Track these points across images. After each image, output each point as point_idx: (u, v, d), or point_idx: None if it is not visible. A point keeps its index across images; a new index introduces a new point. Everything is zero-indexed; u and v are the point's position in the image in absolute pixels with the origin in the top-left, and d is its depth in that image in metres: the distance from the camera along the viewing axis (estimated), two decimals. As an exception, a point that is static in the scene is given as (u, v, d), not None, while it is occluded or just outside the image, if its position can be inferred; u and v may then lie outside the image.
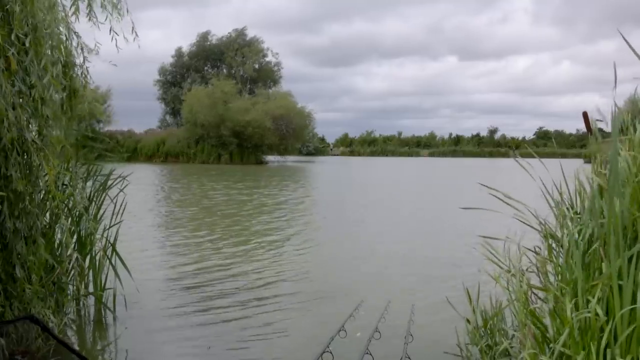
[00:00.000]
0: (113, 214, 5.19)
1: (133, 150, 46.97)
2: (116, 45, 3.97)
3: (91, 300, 5.09)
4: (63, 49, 3.79)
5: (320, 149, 79.36)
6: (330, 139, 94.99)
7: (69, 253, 4.35)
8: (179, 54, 60.65)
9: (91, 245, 4.89)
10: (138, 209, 12.71)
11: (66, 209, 4.39)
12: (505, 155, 70.61)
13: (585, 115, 3.03)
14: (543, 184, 3.09)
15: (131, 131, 51.13)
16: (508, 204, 3.10)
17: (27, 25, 3.20)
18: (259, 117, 45.74)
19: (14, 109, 3.05)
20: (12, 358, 3.32)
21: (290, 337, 4.56)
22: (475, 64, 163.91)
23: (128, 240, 8.02)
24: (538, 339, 2.61)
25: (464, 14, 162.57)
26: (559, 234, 2.90)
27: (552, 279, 2.86)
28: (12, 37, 3.07)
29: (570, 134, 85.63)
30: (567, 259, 2.60)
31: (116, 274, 4.93)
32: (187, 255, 7.94)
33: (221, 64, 60.18)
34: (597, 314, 2.25)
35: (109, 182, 5.22)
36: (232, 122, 45.63)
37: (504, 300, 3.25)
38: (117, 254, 5.04)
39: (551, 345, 2.49)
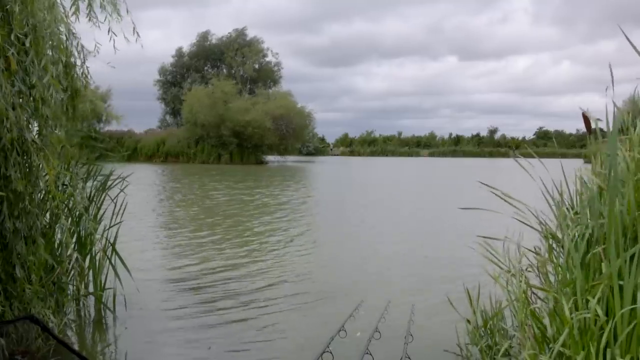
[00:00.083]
0: (113, 214, 5.19)
1: (133, 150, 46.98)
2: (114, 46, 3.97)
3: (91, 300, 5.09)
4: (63, 49, 3.79)
5: (320, 149, 79.36)
6: (330, 139, 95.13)
7: (69, 253, 4.35)
8: (179, 54, 60.69)
9: (91, 245, 4.89)
10: (139, 209, 12.72)
11: (66, 209, 4.39)
12: (505, 155, 70.62)
13: (584, 115, 3.03)
14: (543, 184, 3.09)
15: (131, 131, 51.18)
16: (508, 202, 3.10)
17: (27, 25, 3.20)
18: (259, 117, 45.74)
19: (13, 109, 3.05)
20: (12, 358, 3.32)
21: (290, 337, 4.56)
22: (475, 64, 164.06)
23: (129, 240, 8.03)
24: (538, 339, 2.61)
25: (464, 14, 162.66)
26: (559, 234, 2.90)
27: (552, 279, 2.86)
28: (12, 37, 3.07)
29: (570, 134, 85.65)
30: (568, 259, 2.60)
31: (116, 274, 4.93)
32: (188, 256, 7.94)
33: (221, 64, 60.19)
34: (597, 314, 2.25)
35: (109, 182, 5.22)
36: (232, 122, 45.63)
37: (504, 300, 3.25)
38: (117, 254, 5.04)
39: (551, 345, 2.49)
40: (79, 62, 4.05)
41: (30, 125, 3.38)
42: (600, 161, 2.84)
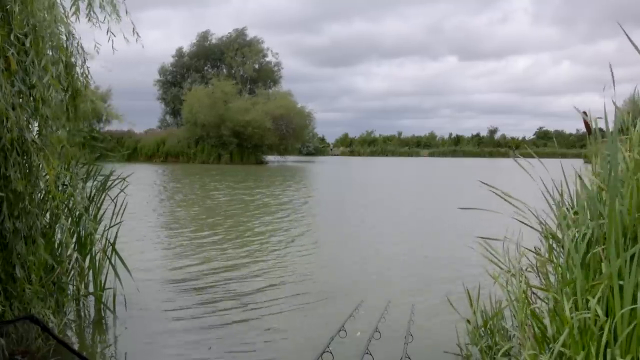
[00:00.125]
0: (113, 214, 5.20)
1: (133, 150, 46.98)
2: (112, 46, 3.97)
3: (91, 300, 5.10)
4: (64, 49, 3.79)
5: (320, 149, 79.36)
6: (330, 139, 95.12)
7: (68, 253, 4.35)
8: (179, 54, 60.71)
9: (91, 245, 4.89)
10: (140, 209, 12.73)
11: (66, 209, 4.39)
12: (505, 155, 70.62)
13: (584, 115, 3.03)
14: (544, 184, 3.09)
15: (131, 131, 51.17)
16: (508, 202, 3.11)
17: (27, 26, 3.20)
18: (259, 117, 45.75)
19: (13, 109, 3.05)
20: (12, 358, 3.32)
21: (290, 337, 4.56)
22: (475, 64, 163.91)
23: (130, 240, 8.04)
24: (538, 339, 2.61)
25: (464, 14, 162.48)
26: (559, 234, 2.90)
27: (552, 279, 2.86)
28: (12, 37, 3.07)
29: (570, 134, 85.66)
30: (568, 259, 2.60)
31: (116, 274, 4.93)
32: (189, 256, 7.94)
33: (221, 64, 60.21)
34: (597, 314, 2.25)
35: (109, 182, 5.22)
36: (232, 122, 45.64)
37: (504, 301, 3.26)
38: (117, 254, 5.04)
39: (551, 345, 2.49)
40: (79, 62, 4.06)
41: (30, 125, 3.38)
42: (600, 161, 2.84)
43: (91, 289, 4.96)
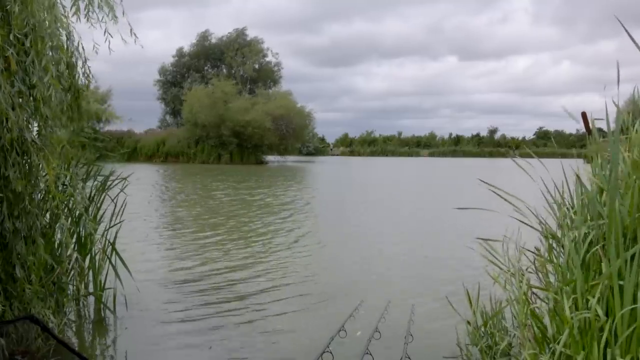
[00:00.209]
0: (113, 214, 5.20)
1: (133, 150, 46.99)
2: (109, 47, 3.97)
3: (91, 300, 5.10)
4: (64, 50, 3.80)
5: (320, 149, 79.37)
6: (330, 139, 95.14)
7: (68, 253, 4.35)
8: (179, 54, 60.72)
9: (91, 245, 4.89)
10: (141, 209, 12.73)
11: (66, 209, 4.39)
12: (505, 155, 70.61)
13: (584, 115, 3.04)
14: (544, 184, 3.09)
15: (131, 131, 51.17)
16: (508, 201, 3.11)
17: (27, 26, 3.20)
18: (259, 117, 45.76)
19: (13, 109, 3.05)
20: (12, 358, 3.33)
21: (290, 337, 4.56)
22: (475, 64, 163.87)
23: (131, 241, 8.04)
24: (538, 339, 2.61)
25: (464, 14, 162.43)
26: (559, 234, 2.90)
27: (552, 278, 2.86)
28: (11, 37, 3.07)
29: (570, 134, 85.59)
30: (568, 259, 2.60)
31: (116, 274, 4.93)
32: (190, 256, 7.94)
33: (221, 64, 60.23)
34: (597, 314, 2.25)
35: (109, 182, 5.22)
36: (232, 122, 45.65)
37: (503, 301, 3.26)
38: (117, 254, 5.04)
39: (551, 345, 2.49)
40: (80, 62, 4.06)
41: (30, 125, 3.38)
42: (600, 161, 2.84)
43: (91, 289, 4.96)
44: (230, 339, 4.47)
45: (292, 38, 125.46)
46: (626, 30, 2.39)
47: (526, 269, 3.02)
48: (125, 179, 5.36)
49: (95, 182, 5.10)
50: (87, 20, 3.81)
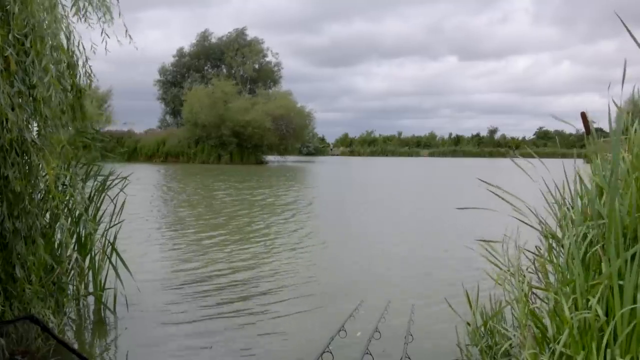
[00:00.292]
0: (113, 214, 5.19)
1: (133, 150, 47.01)
2: (105, 48, 3.97)
3: (92, 300, 5.10)
4: (64, 50, 3.80)
5: (320, 149, 79.37)
6: (330, 139, 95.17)
7: (68, 253, 4.35)
8: (180, 54, 60.73)
9: (91, 245, 4.89)
10: (142, 209, 12.75)
11: (66, 209, 4.39)
12: (505, 155, 70.59)
13: (583, 115, 3.04)
14: (545, 184, 3.09)
15: (131, 131, 51.20)
16: (507, 201, 3.11)
17: (27, 26, 3.20)
18: (259, 117, 45.77)
19: (13, 109, 3.05)
20: (12, 358, 3.33)
21: (290, 336, 4.56)
22: (475, 64, 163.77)
23: (132, 241, 8.05)
24: (538, 339, 2.61)
25: (464, 14, 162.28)
26: (559, 234, 2.90)
27: (552, 278, 2.86)
28: (10, 37, 3.07)
29: (570, 134, 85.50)
30: (568, 258, 2.60)
31: (117, 274, 4.93)
32: (190, 256, 7.94)
33: (221, 64, 60.24)
34: (597, 314, 2.25)
35: (109, 182, 5.22)
36: (232, 122, 45.67)
37: (503, 301, 3.26)
38: (117, 254, 5.04)
39: (551, 345, 2.49)
40: (80, 62, 4.06)
41: (30, 126, 3.38)
42: (602, 161, 2.84)
43: (91, 289, 4.96)
44: (231, 339, 4.47)
45: (292, 38, 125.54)
46: (627, 29, 2.39)
47: (526, 269, 3.03)
48: (125, 178, 5.36)
49: (95, 182, 5.10)
50: (85, 20, 3.82)
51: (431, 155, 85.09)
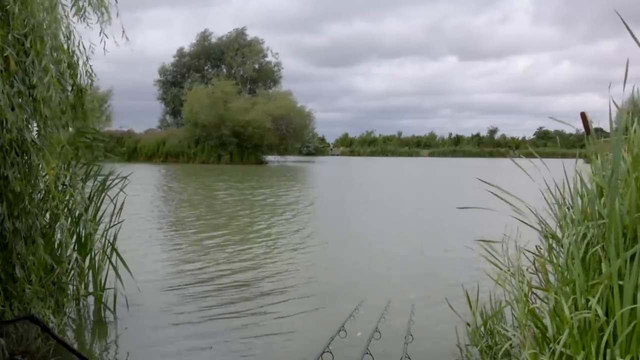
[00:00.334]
0: (113, 214, 5.19)
1: (133, 150, 47.03)
2: (104, 48, 3.98)
3: (92, 300, 5.10)
4: (65, 50, 3.80)
5: (320, 149, 79.36)
6: (330, 139, 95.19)
7: (68, 253, 4.35)
8: (180, 54, 60.74)
9: (91, 245, 4.89)
10: (142, 209, 12.75)
11: (66, 209, 4.39)
12: (505, 155, 70.63)
13: (583, 115, 3.04)
14: (546, 183, 3.09)
15: (131, 131, 51.21)
16: (505, 201, 3.11)
17: (27, 26, 3.20)
18: (258, 117, 45.77)
19: (13, 109, 3.05)
20: (12, 358, 3.33)
21: (290, 336, 4.56)
22: (475, 64, 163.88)
23: (132, 240, 8.05)
24: (538, 339, 2.61)
25: (464, 14, 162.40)
26: (559, 234, 2.90)
27: (552, 279, 2.86)
28: (9, 37, 3.07)
29: (570, 134, 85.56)
30: (567, 259, 2.60)
31: (117, 274, 4.93)
32: (191, 257, 7.94)
33: (221, 63, 60.24)
34: (597, 314, 2.25)
35: (109, 182, 5.22)
36: (232, 122, 45.67)
37: (503, 301, 3.26)
38: (117, 254, 5.04)
39: (551, 345, 2.49)
40: (81, 62, 4.07)
41: (30, 126, 3.38)
42: (602, 161, 2.84)
43: (91, 289, 4.96)
44: (231, 339, 4.47)
45: (292, 38, 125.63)
46: (627, 27, 2.39)
47: (526, 269, 3.02)
48: (125, 178, 5.35)
49: (95, 182, 5.10)
50: (84, 20, 3.82)
51: (431, 155, 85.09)
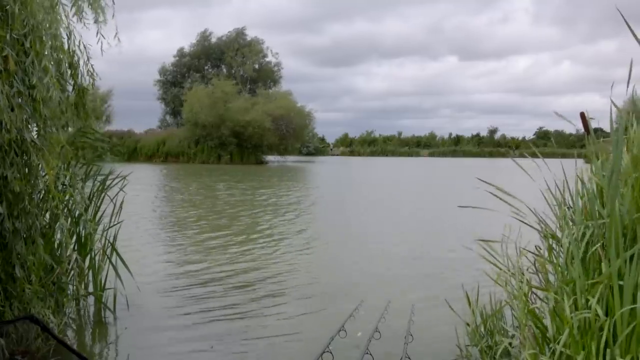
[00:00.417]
0: (113, 214, 5.19)
1: (133, 150, 47.05)
2: (101, 48, 3.98)
3: (92, 300, 5.09)
4: (65, 50, 3.80)
5: (320, 149, 79.35)
6: (330, 139, 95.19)
7: (68, 253, 4.35)
8: (180, 54, 60.72)
9: (91, 245, 4.89)
10: (143, 209, 12.76)
11: (66, 209, 4.39)
12: (505, 155, 70.66)
13: (582, 115, 3.04)
14: (546, 183, 3.09)
15: (131, 131, 51.21)
16: (505, 201, 3.11)
17: (27, 26, 3.20)
18: (259, 117, 45.77)
19: (12, 109, 3.05)
20: (12, 358, 3.33)
21: (290, 336, 4.56)
22: (475, 64, 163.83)
23: (132, 241, 8.06)
24: (538, 339, 2.61)
25: (464, 14, 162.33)
26: (559, 234, 2.90)
27: (552, 278, 2.86)
28: (8, 37, 3.06)
29: (570, 134, 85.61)
30: (567, 259, 2.60)
31: (117, 274, 4.93)
32: (191, 256, 7.94)
33: (221, 63, 60.23)
34: (597, 314, 2.25)
35: (109, 182, 5.21)
36: (232, 122, 45.67)
37: (503, 301, 3.25)
38: (117, 253, 5.04)
39: (551, 345, 2.49)
40: (82, 62, 4.07)
41: (29, 126, 3.38)
42: (602, 161, 2.84)
43: (91, 289, 4.96)
44: (231, 339, 4.47)
45: (293, 38, 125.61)
46: (628, 26, 2.39)
47: (526, 269, 3.02)
48: (124, 177, 5.35)
49: (95, 182, 5.10)
50: (80, 20, 3.83)
51: (431, 155, 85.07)
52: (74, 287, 4.64)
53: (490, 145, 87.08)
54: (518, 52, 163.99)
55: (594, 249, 2.47)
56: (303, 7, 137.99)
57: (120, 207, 5.22)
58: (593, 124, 3.07)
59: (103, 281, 4.97)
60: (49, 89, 3.32)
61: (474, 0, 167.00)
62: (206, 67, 60.53)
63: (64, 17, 3.76)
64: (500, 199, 3.14)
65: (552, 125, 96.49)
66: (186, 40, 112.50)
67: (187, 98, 48.25)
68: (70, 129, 4.40)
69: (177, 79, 60.10)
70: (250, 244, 9.01)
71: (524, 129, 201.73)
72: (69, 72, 3.98)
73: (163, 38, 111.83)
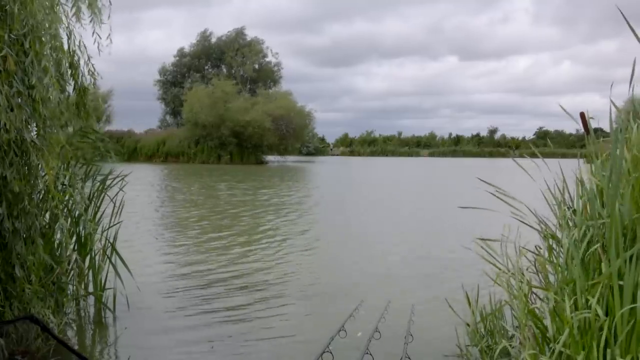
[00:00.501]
0: (113, 213, 5.19)
1: (133, 150, 47.05)
2: (98, 48, 3.98)
3: (92, 300, 5.09)
4: (65, 50, 3.80)
5: (320, 149, 79.34)
6: (330, 139, 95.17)
7: (68, 253, 4.34)
8: (180, 54, 60.73)
9: (91, 245, 4.89)
10: (144, 209, 12.75)
11: (65, 209, 4.39)
12: (505, 155, 70.65)
13: (582, 116, 3.04)
14: (546, 183, 3.09)
15: (131, 131, 51.21)
16: (505, 201, 3.10)
17: (26, 26, 3.20)
18: (258, 117, 45.76)
19: (12, 110, 3.05)
20: (12, 358, 3.33)
21: (290, 336, 4.56)
22: (475, 64, 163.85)
23: (133, 241, 8.05)
24: (538, 339, 2.61)
25: (464, 14, 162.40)
26: (559, 234, 2.90)
27: (552, 278, 2.86)
28: (7, 37, 3.06)
29: (570, 134, 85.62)
30: (567, 259, 2.60)
31: (117, 274, 4.93)
32: (191, 256, 7.94)
33: (221, 63, 60.24)
34: (597, 314, 2.25)
35: (109, 182, 5.21)
36: (232, 122, 45.67)
37: (503, 301, 3.25)
38: (117, 253, 5.03)
39: (551, 345, 2.49)
40: (82, 62, 4.07)
41: (29, 126, 3.38)
42: (602, 161, 2.84)
43: (91, 289, 4.96)
44: (232, 339, 4.47)
45: (293, 38, 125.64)
46: (629, 25, 2.38)
47: (526, 269, 3.02)
48: (124, 177, 5.35)
49: (95, 182, 5.10)
50: (77, 20, 3.83)
51: (431, 155, 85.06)
52: (74, 287, 4.64)
53: (490, 145, 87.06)
54: (518, 52, 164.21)
55: (593, 249, 2.47)
56: (303, 7, 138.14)
57: (121, 207, 5.22)
58: (593, 124, 3.07)
59: (103, 281, 4.97)
60: (48, 89, 3.32)
61: (474, 0, 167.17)
62: (206, 67, 60.53)
63: (63, 17, 3.76)
64: (500, 199, 3.14)
65: (552, 125, 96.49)
66: (186, 40, 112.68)
67: (187, 98, 48.24)
68: (71, 128, 4.41)
69: (177, 79, 60.11)
70: (250, 244, 9.01)
71: (524, 129, 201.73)
72: (69, 72, 3.98)
73: (163, 38, 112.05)
